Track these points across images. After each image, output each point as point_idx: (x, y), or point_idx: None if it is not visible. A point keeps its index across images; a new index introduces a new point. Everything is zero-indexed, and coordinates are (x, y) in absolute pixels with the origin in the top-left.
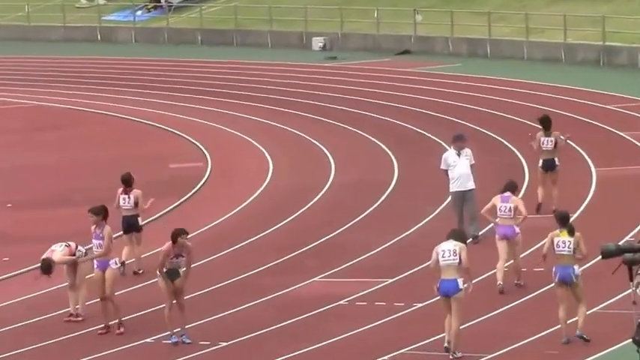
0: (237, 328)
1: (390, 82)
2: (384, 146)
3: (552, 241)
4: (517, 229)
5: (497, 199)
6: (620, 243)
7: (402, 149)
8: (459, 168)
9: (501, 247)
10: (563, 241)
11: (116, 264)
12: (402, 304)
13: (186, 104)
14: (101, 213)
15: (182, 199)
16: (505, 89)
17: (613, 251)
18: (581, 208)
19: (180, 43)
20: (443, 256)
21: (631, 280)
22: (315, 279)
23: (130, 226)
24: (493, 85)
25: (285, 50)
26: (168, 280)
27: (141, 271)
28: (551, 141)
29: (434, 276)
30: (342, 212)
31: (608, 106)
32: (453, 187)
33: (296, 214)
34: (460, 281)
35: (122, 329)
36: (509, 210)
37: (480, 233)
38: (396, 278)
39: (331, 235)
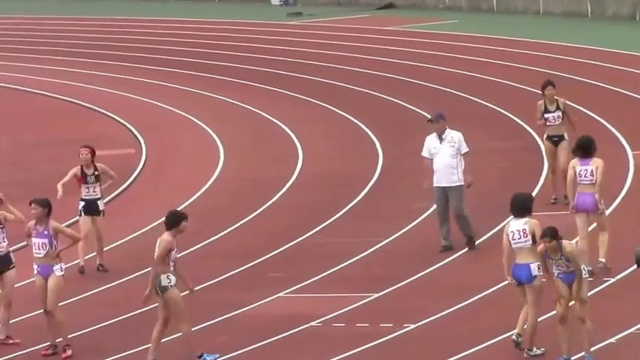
0: (181, 356)
1: (370, 45)
2: (364, 127)
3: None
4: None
5: (575, 163)
6: None
7: (388, 130)
8: (439, 157)
9: (581, 221)
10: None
11: (61, 270)
12: (391, 326)
13: (112, 74)
14: (47, 206)
15: (111, 196)
16: (516, 52)
17: None
18: (616, 201)
19: None
20: (513, 239)
21: None
22: (279, 294)
23: (90, 208)
24: (500, 46)
25: (236, 5)
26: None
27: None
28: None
29: (507, 261)
30: (313, 210)
31: None
32: (435, 181)
33: (255, 213)
34: (535, 266)
35: (69, 352)
36: (591, 174)
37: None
38: (383, 293)
39: (299, 239)
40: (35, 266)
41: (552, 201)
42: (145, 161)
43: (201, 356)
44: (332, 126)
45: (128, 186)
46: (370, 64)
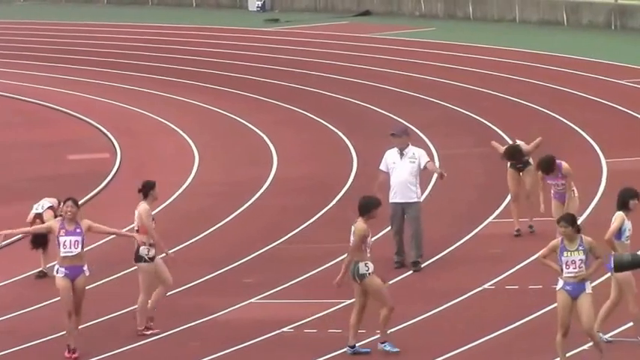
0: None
1: (346, 52)
2: (339, 132)
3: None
4: None
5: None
6: (638, 252)
7: (362, 136)
8: (397, 173)
9: None
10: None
11: (89, 270)
12: (364, 332)
13: (88, 79)
14: (77, 204)
15: (85, 199)
16: (492, 60)
17: (628, 263)
18: (589, 209)
19: (82, 1)
20: None
21: None
22: (251, 300)
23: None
24: (476, 54)
25: (213, 11)
26: None
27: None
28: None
29: None
30: (287, 216)
31: (621, 81)
32: (391, 197)
33: (229, 218)
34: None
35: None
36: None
37: (426, 263)
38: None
39: (272, 245)
40: (62, 269)
41: (515, 233)
42: (120, 165)
43: (384, 342)
44: (307, 131)
45: (103, 188)
46: (346, 71)
